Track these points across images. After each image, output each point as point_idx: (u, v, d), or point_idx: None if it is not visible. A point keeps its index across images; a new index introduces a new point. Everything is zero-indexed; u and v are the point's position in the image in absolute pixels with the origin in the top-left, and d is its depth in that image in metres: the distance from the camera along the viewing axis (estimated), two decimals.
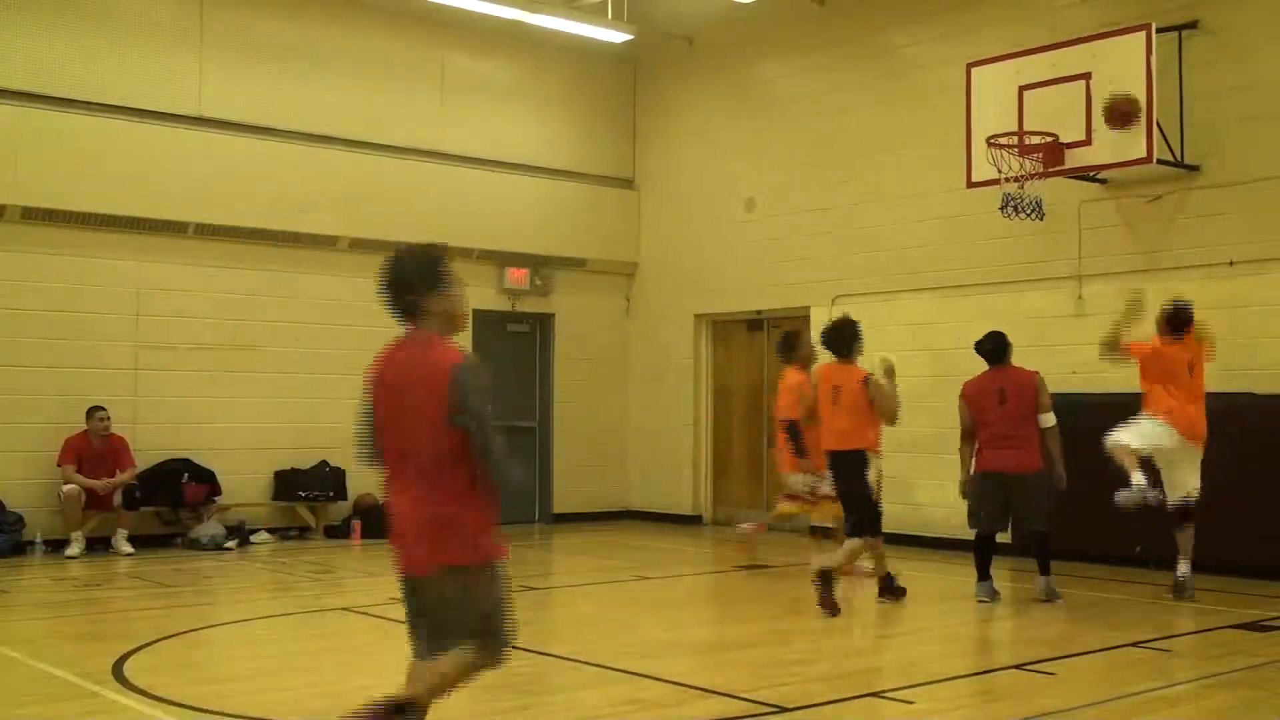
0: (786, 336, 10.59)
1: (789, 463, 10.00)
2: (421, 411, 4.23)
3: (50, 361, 11.75)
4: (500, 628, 4.31)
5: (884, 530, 9.26)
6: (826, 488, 9.55)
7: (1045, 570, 8.87)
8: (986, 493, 8.98)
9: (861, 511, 8.70)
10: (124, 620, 8.50)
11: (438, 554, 4.22)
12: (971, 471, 9.11)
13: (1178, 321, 8.94)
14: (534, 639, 7.70)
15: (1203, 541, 9.00)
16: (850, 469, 8.70)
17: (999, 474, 8.87)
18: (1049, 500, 8.83)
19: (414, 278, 4.33)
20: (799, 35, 13.97)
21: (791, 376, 10.01)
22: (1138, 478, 8.54)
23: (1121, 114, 9.90)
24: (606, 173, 15.72)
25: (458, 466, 4.21)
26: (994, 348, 9.10)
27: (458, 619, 4.27)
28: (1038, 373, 9.09)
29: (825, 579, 8.49)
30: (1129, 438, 8.64)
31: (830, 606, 8.40)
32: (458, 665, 4.29)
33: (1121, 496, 8.50)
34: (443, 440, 4.20)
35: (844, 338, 8.91)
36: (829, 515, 9.85)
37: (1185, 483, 8.83)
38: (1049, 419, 8.86)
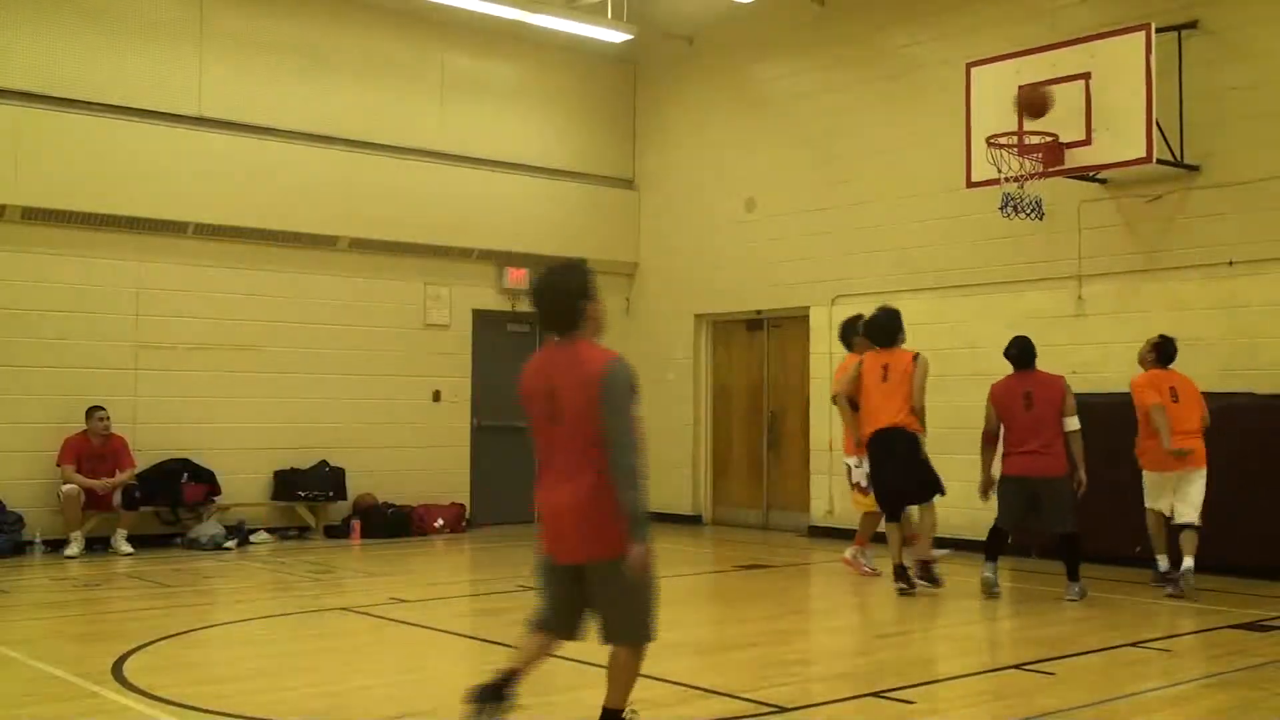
0: (849, 322, 10.53)
1: (849, 445, 10.07)
2: (573, 411, 4.64)
3: (50, 361, 11.75)
4: (650, 607, 4.76)
5: (884, 530, 9.37)
6: (859, 475, 9.75)
7: (1074, 576, 8.89)
8: (1008, 495, 9.09)
9: (925, 478, 9.26)
10: (123, 620, 8.49)
11: (592, 546, 4.65)
12: (999, 474, 9.22)
13: (1170, 353, 9.45)
14: None
15: (1203, 541, 9.01)
16: (903, 443, 9.16)
17: (1024, 478, 8.97)
18: (1073, 503, 8.93)
19: (576, 289, 4.83)
20: (799, 35, 13.96)
21: (850, 361, 10.07)
22: (1163, 563, 9.32)
23: (1034, 104, 10.15)
24: (606, 173, 15.71)
25: (605, 463, 4.58)
26: (1019, 353, 9.22)
27: (614, 604, 4.72)
28: (1064, 377, 9.22)
29: (925, 568, 9.13)
30: (1162, 506, 9.32)
31: (936, 581, 9.08)
32: (635, 656, 4.81)
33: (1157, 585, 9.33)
34: (592, 438, 4.60)
35: (885, 329, 9.44)
36: (862, 506, 10.01)
37: (1189, 511, 9.11)
38: (1073, 422, 9.00)
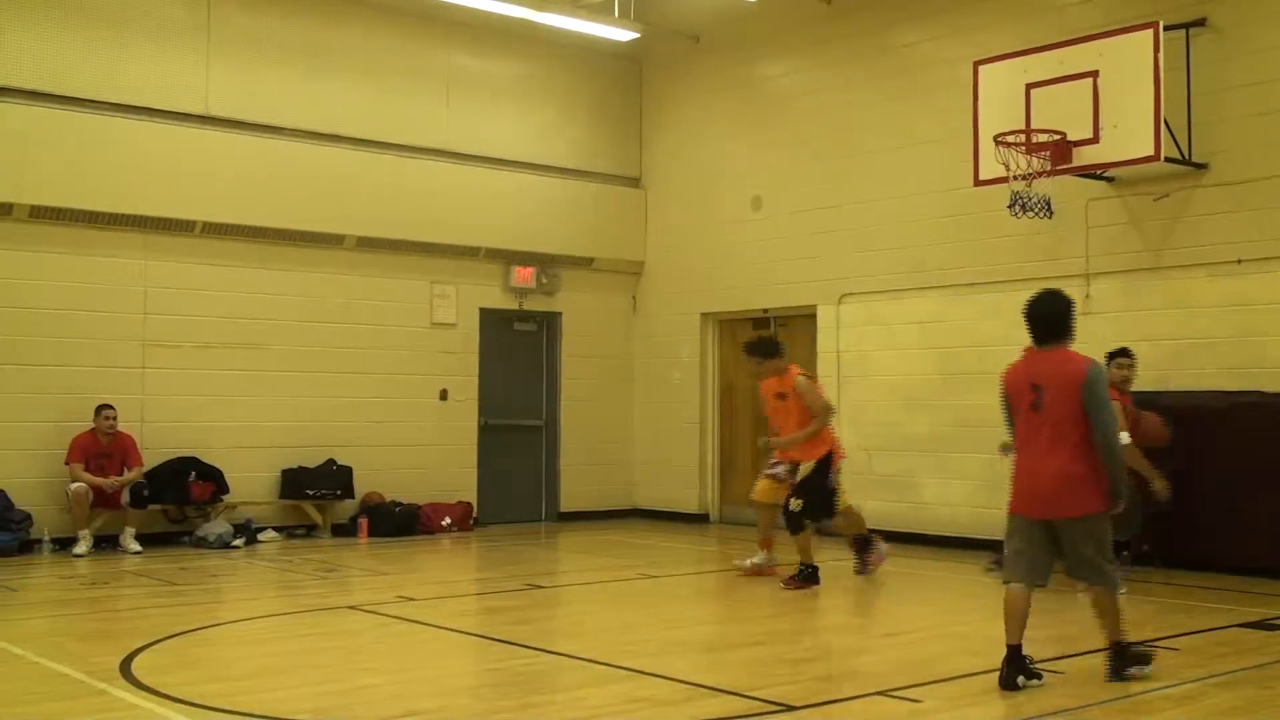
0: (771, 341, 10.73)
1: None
2: (1063, 400, 6.00)
3: (58, 360, 11.78)
4: (1110, 556, 6.10)
5: (891, 529, 9.38)
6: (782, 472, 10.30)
7: None
8: None
9: None
10: (131, 618, 8.52)
11: (1067, 505, 6.00)
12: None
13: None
14: (539, 637, 7.73)
15: (1208, 540, 9.01)
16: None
17: None
18: None
19: (1066, 310, 6.21)
20: (805, 33, 13.95)
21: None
22: None
23: None
24: (613, 171, 15.72)
25: (1084, 440, 5.96)
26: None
27: (1087, 554, 6.03)
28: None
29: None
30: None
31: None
32: (1108, 594, 6.13)
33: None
34: (1076, 421, 5.96)
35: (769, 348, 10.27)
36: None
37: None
38: (1124, 436, 9.19)
